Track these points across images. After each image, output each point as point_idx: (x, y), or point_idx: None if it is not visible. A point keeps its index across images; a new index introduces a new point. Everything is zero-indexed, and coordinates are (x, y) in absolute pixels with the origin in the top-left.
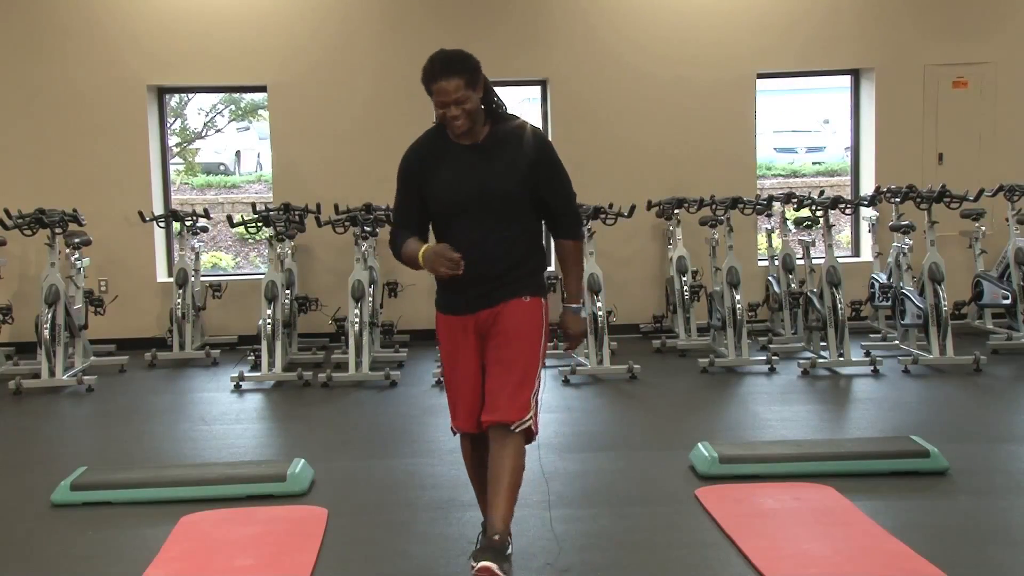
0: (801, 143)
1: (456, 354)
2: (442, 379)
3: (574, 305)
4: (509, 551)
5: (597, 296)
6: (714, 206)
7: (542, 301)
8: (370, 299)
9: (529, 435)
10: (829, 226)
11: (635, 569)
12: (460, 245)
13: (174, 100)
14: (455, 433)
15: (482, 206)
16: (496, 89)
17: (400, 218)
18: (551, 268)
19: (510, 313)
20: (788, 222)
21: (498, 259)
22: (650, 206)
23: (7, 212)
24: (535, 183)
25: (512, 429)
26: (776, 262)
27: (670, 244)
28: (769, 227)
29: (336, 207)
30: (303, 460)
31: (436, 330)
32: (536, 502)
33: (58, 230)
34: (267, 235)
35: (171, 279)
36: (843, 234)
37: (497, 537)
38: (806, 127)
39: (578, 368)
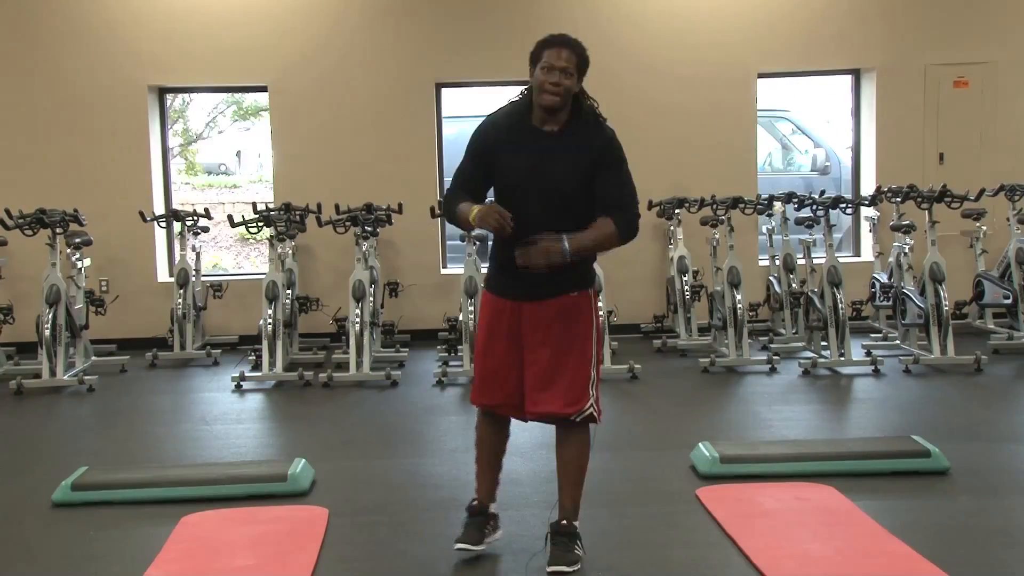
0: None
1: (495, 334)
2: (444, 378)
3: (567, 240)
4: (578, 531)
5: (598, 296)
6: (715, 206)
7: (590, 293)
8: (371, 299)
9: (591, 420)
10: (830, 226)
11: (635, 569)
12: (517, 228)
13: (177, 101)
14: (475, 404)
15: (542, 194)
16: (505, 90)
17: (460, 182)
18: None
19: (558, 310)
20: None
21: None
22: (651, 206)
23: (8, 212)
24: (593, 178)
25: (574, 420)
26: (777, 262)
27: (671, 244)
28: (770, 227)
29: (337, 207)
30: (304, 460)
31: (480, 306)
32: (536, 502)
33: (59, 230)
34: (268, 235)
35: (172, 279)
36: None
37: (566, 521)
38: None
39: None
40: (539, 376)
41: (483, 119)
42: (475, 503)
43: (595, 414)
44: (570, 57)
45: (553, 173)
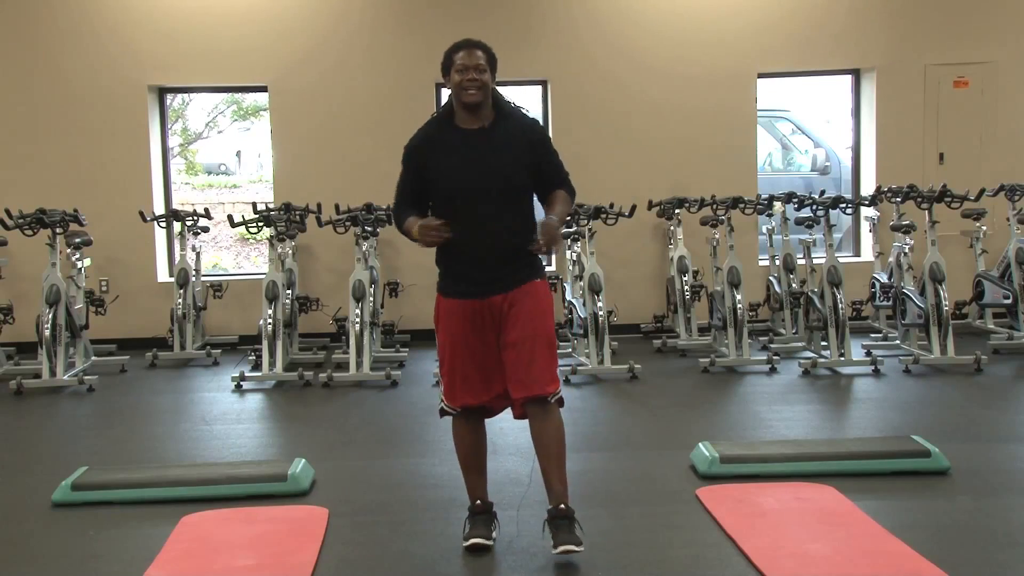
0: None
1: (463, 336)
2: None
3: (553, 216)
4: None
5: (598, 296)
6: (715, 206)
7: (547, 283)
8: (371, 299)
9: (561, 404)
10: (830, 226)
11: (635, 569)
12: (464, 229)
13: (176, 101)
14: (442, 415)
15: (485, 191)
16: (505, 90)
17: (403, 196)
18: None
19: (525, 295)
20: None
21: (502, 243)
22: (651, 206)
23: (8, 212)
24: (536, 162)
25: (550, 400)
26: (777, 262)
27: (671, 244)
28: (770, 227)
29: (337, 207)
30: (304, 460)
31: (436, 314)
32: (537, 502)
33: (59, 230)
34: (268, 235)
35: (172, 279)
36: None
37: (563, 506)
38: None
39: (579, 368)
40: (518, 362)
41: (412, 136)
42: (479, 503)
43: (562, 396)
44: (481, 55)
45: (496, 168)
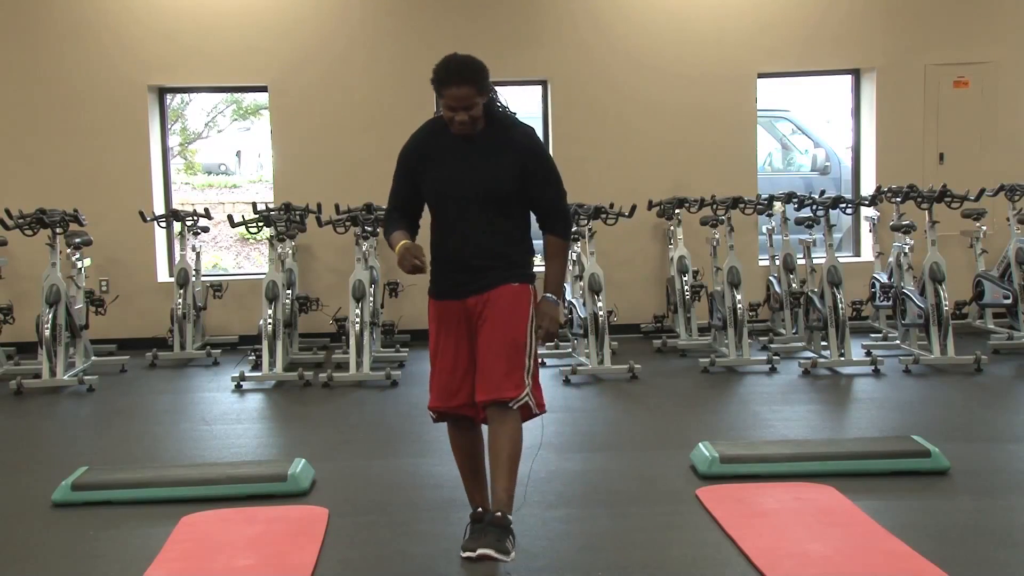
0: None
1: (444, 337)
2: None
3: (551, 295)
4: (512, 526)
5: (598, 296)
6: (715, 206)
7: (530, 288)
8: (371, 299)
9: (527, 412)
10: (830, 226)
11: (635, 569)
12: (452, 233)
13: (175, 101)
14: (433, 419)
15: (474, 198)
16: (505, 89)
17: (394, 201)
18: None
19: (498, 297)
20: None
21: (486, 249)
22: (651, 206)
23: (8, 212)
24: (525, 179)
25: (510, 406)
26: (777, 262)
27: (671, 244)
28: (770, 227)
29: (337, 207)
30: (304, 460)
31: (429, 317)
32: (536, 502)
33: (59, 230)
34: (268, 235)
35: (172, 279)
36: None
37: (500, 513)
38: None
39: (579, 368)
40: (481, 364)
41: (407, 140)
42: (479, 510)
43: (531, 404)
44: (468, 92)
45: (486, 177)
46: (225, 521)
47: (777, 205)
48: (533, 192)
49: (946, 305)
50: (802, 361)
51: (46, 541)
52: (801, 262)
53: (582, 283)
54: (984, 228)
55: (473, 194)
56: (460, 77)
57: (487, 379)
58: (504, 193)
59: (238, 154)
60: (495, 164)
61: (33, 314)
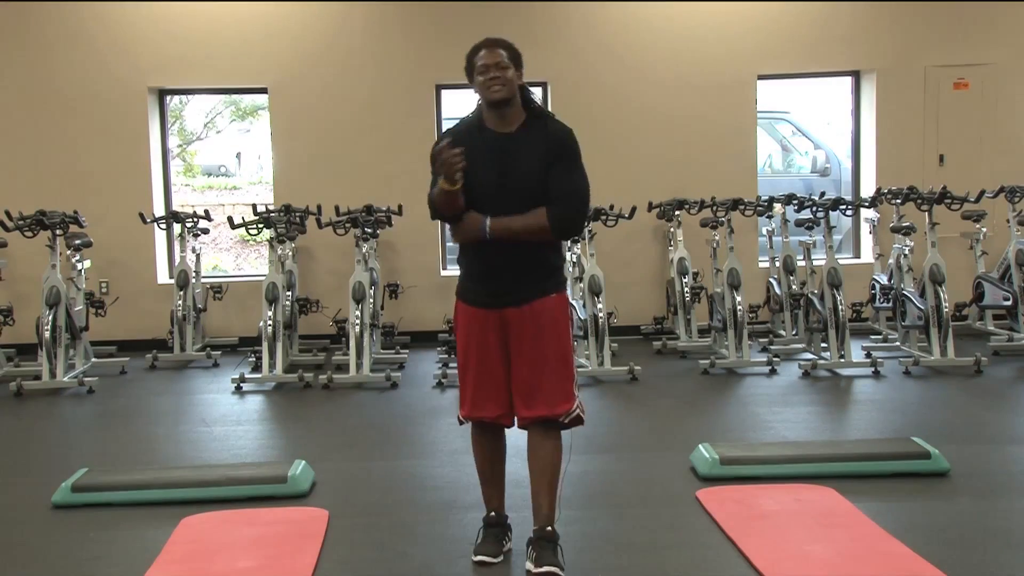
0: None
1: (478, 346)
2: (444, 379)
3: (491, 219)
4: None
5: (598, 297)
6: (715, 207)
7: (566, 295)
8: (371, 301)
9: (579, 422)
10: (830, 227)
11: (636, 570)
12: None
13: (174, 101)
14: (462, 423)
15: (513, 195)
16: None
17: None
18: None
19: (541, 311)
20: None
21: (523, 252)
22: (651, 207)
23: (8, 214)
24: (550, 165)
25: (562, 420)
26: (777, 263)
27: (671, 245)
28: (770, 228)
29: (337, 208)
30: (304, 462)
31: (455, 319)
32: None
33: (59, 232)
34: (268, 237)
35: (172, 281)
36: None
37: (550, 528)
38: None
39: (579, 369)
40: (527, 380)
41: (441, 136)
42: (492, 515)
43: (581, 415)
44: (502, 52)
45: (520, 173)
46: (225, 523)
47: (777, 207)
48: (552, 174)
49: (946, 307)
50: (802, 363)
51: (46, 543)
52: (801, 264)
53: (582, 285)
54: (984, 230)
55: (512, 189)
56: (492, 41)
57: (535, 395)
58: (535, 192)
59: (238, 156)
60: (532, 157)
61: (33, 316)
